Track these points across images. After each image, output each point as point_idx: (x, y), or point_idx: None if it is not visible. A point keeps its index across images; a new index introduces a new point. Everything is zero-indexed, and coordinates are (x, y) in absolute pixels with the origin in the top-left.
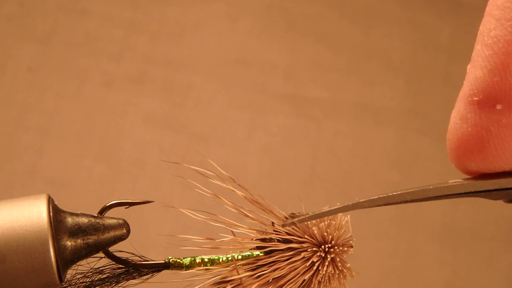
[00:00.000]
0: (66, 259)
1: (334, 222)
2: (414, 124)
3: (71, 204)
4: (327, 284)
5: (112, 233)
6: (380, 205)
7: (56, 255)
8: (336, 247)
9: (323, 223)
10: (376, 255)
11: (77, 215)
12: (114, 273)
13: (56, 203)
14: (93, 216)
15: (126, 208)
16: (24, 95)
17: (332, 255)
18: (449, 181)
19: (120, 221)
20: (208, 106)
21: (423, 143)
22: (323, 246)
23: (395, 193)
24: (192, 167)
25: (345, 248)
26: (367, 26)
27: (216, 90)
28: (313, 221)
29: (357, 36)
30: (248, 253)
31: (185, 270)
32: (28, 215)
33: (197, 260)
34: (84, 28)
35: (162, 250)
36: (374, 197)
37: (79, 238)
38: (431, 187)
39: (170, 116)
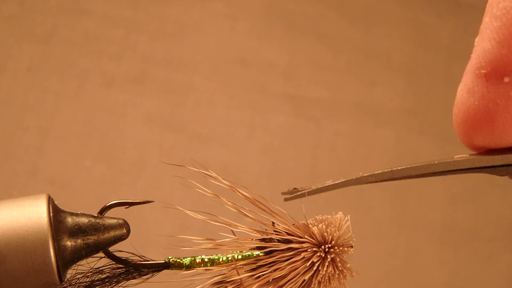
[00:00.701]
0: (66, 259)
1: (334, 222)
2: (414, 124)
3: (71, 204)
4: (327, 284)
5: (112, 233)
6: (384, 180)
7: (56, 256)
8: (336, 247)
9: (323, 223)
10: (376, 255)
11: (77, 215)
12: (114, 273)
13: (56, 203)
14: (93, 216)
15: (126, 208)
16: (24, 95)
17: (332, 255)
18: (455, 156)
19: (120, 221)
20: (208, 106)
21: (423, 143)
22: (323, 246)
23: (400, 168)
24: (193, 168)
25: (345, 248)
26: (367, 26)
27: (216, 90)
28: (314, 221)
29: (357, 36)
30: (248, 253)
31: (185, 270)
32: (28, 215)
33: (197, 260)
34: (84, 28)
35: (162, 250)
36: (379, 172)
37: (79, 238)
38: (436, 162)
39: (170, 116)
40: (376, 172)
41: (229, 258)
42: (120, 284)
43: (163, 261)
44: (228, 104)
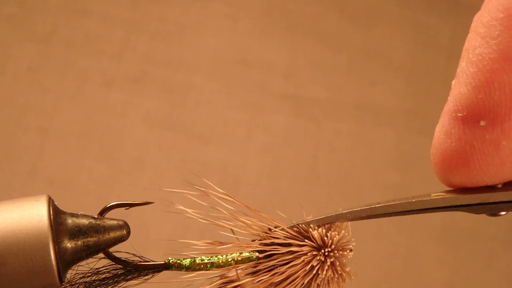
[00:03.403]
0: (67, 261)
1: (334, 226)
2: (414, 124)
3: (71, 205)
4: (326, 287)
5: (112, 235)
6: (363, 218)
7: (56, 258)
8: (335, 251)
9: (323, 227)
10: (376, 255)
11: (77, 216)
12: (114, 274)
13: (56, 203)
14: (93, 218)
15: (126, 209)
16: (24, 95)
17: (331, 259)
18: (432, 194)
19: (120, 222)
20: (208, 106)
21: (423, 143)
22: (322, 250)
23: (378, 205)
24: (193, 184)
25: (345, 252)
26: (367, 26)
27: (216, 90)
28: (313, 225)
29: (357, 36)
30: (248, 253)
31: (185, 271)
32: (28, 217)
33: (197, 261)
34: (84, 28)
35: (162, 251)
36: (357, 209)
37: (79, 239)
38: (413, 200)
39: (170, 116)
40: (355, 209)
41: (229, 260)
42: (119, 285)
43: (163, 262)
44: (228, 104)
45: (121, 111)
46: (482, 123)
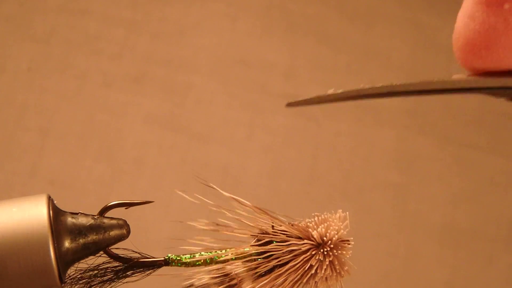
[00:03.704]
0: (67, 261)
1: (333, 222)
2: (414, 124)
3: (71, 205)
4: (324, 283)
5: (112, 234)
6: (383, 94)
7: (56, 257)
8: (335, 250)
9: (322, 226)
10: (376, 255)
11: (77, 215)
12: (114, 270)
13: (56, 203)
14: (93, 217)
15: (126, 208)
16: (24, 95)
17: (330, 258)
18: (453, 76)
19: (120, 222)
20: (208, 106)
21: (423, 143)
22: (322, 249)
23: (399, 83)
24: (197, 177)
25: (344, 251)
26: (367, 26)
27: (216, 90)
28: (312, 224)
29: (357, 36)
30: (248, 249)
31: (185, 267)
32: (28, 217)
33: (197, 257)
34: (84, 28)
35: (162, 249)
36: (378, 85)
37: (79, 239)
38: (435, 80)
39: (170, 116)
40: (376, 85)
41: (229, 257)
42: (120, 281)
43: (163, 258)
44: (228, 104)
45: (121, 111)
46: (506, 6)
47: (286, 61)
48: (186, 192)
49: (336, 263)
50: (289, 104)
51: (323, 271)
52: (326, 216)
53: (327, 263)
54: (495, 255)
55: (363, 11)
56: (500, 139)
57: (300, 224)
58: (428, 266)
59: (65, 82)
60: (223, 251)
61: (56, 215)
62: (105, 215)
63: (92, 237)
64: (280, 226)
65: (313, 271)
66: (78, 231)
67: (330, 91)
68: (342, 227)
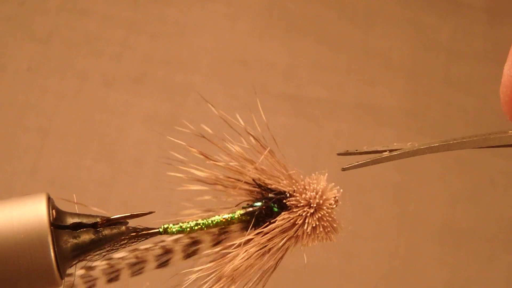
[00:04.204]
0: (66, 259)
1: (319, 184)
2: (414, 124)
3: (71, 204)
4: (315, 239)
5: (112, 231)
6: (440, 151)
7: (56, 256)
8: (324, 206)
9: (311, 184)
10: (376, 255)
11: (76, 214)
12: (108, 235)
13: (55, 203)
14: (93, 216)
15: (127, 220)
16: (24, 95)
17: (320, 213)
18: (509, 131)
19: (120, 219)
20: (208, 106)
21: None
22: (311, 204)
23: (455, 141)
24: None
25: (332, 204)
26: (367, 26)
27: (216, 90)
28: (305, 181)
29: (357, 36)
30: (241, 211)
31: (180, 234)
32: (27, 216)
33: (191, 223)
34: (84, 28)
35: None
36: (435, 144)
37: (79, 238)
38: (492, 136)
39: (170, 116)
40: (432, 145)
41: (223, 219)
42: (114, 248)
43: (158, 229)
44: (228, 104)
45: (121, 111)
46: None
47: (286, 61)
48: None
49: (326, 219)
50: (345, 169)
51: (312, 221)
52: (310, 178)
53: (317, 218)
54: (495, 255)
55: (363, 11)
56: None
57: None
58: (428, 266)
59: (65, 82)
60: (217, 217)
61: (56, 213)
62: (105, 215)
63: (92, 236)
64: (272, 184)
65: (304, 229)
66: (77, 230)
67: (385, 153)
68: (328, 185)
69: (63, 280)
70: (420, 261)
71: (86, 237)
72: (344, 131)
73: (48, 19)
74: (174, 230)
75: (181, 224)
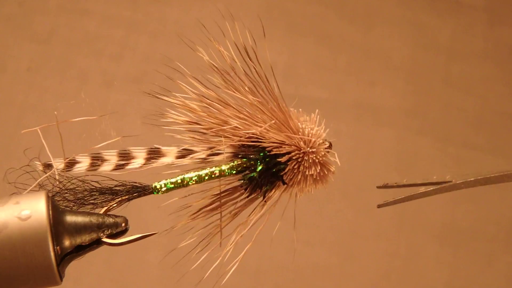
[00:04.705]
0: (66, 257)
1: (310, 128)
2: (414, 124)
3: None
4: (313, 184)
5: (111, 231)
6: (477, 185)
7: (55, 254)
8: (318, 152)
9: (304, 127)
10: (376, 255)
11: (76, 213)
12: (102, 189)
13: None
14: (93, 214)
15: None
16: (24, 95)
17: (315, 159)
18: None
19: (119, 219)
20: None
21: (423, 143)
22: (306, 152)
23: (492, 175)
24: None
25: (326, 149)
26: (367, 26)
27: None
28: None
29: (357, 36)
30: (234, 163)
31: (172, 190)
32: (27, 213)
33: (185, 179)
34: (84, 28)
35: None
36: (471, 179)
37: (78, 235)
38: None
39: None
40: (469, 180)
41: (218, 170)
42: (107, 199)
43: (149, 185)
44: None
45: (121, 111)
46: None
47: (285, 61)
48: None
49: (320, 163)
50: (380, 205)
51: (310, 171)
52: (301, 120)
53: (311, 161)
54: (495, 255)
55: (363, 11)
56: (500, 139)
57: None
58: (428, 266)
59: (65, 82)
60: (210, 168)
61: (55, 212)
62: (105, 213)
63: (91, 234)
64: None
65: (300, 173)
66: (77, 228)
67: (422, 189)
68: (320, 130)
69: (62, 279)
70: (420, 261)
71: (86, 237)
72: (344, 131)
73: (48, 19)
74: (165, 186)
75: (176, 178)
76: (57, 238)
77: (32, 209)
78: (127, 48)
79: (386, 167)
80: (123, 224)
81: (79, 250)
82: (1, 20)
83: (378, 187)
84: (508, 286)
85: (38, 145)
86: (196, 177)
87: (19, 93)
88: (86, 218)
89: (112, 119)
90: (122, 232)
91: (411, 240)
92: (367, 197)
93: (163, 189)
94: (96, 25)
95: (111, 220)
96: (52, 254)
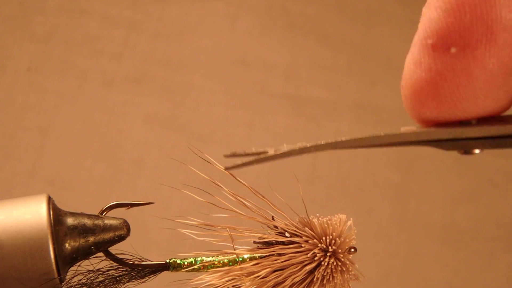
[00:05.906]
0: (66, 260)
1: (337, 226)
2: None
3: (71, 204)
4: (331, 280)
5: (112, 233)
6: (326, 150)
7: (56, 258)
8: (341, 256)
9: (326, 225)
10: (376, 255)
11: (77, 215)
12: (113, 274)
13: (56, 203)
14: (93, 216)
15: (127, 209)
16: (24, 95)
17: (335, 263)
18: (401, 128)
19: (120, 221)
20: (208, 106)
21: None
22: (328, 254)
23: (343, 139)
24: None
25: (348, 253)
26: (367, 26)
27: (216, 90)
28: (316, 225)
29: (357, 36)
30: (248, 255)
31: (185, 271)
32: (28, 216)
33: (198, 262)
34: (84, 28)
35: (163, 251)
36: (321, 143)
37: (79, 238)
38: (382, 134)
39: (170, 116)
40: (319, 143)
41: (229, 260)
42: (119, 285)
43: (163, 262)
44: (228, 104)
45: (121, 111)
46: (453, 50)
47: (286, 61)
48: (187, 188)
49: (341, 268)
50: (228, 168)
51: (327, 275)
52: (328, 218)
53: (332, 267)
54: (495, 255)
55: (363, 11)
56: None
57: (300, 223)
58: (428, 266)
59: (65, 82)
60: (224, 256)
61: (56, 214)
62: (106, 215)
63: (92, 236)
64: (288, 227)
65: (317, 275)
66: (78, 231)
67: (271, 151)
68: (350, 234)
69: (63, 283)
70: (420, 261)
71: (87, 239)
72: (344, 131)
73: (48, 19)
74: (182, 263)
75: (192, 259)
76: (58, 240)
77: (33, 212)
78: (127, 48)
79: (386, 167)
80: (124, 228)
81: (80, 252)
82: (1, 20)
83: (225, 156)
84: (508, 286)
85: (38, 146)
86: (224, 262)
87: (19, 93)
88: (86, 219)
89: (112, 119)
90: (122, 236)
91: (411, 240)
92: (367, 197)
93: (186, 265)
94: (96, 25)
95: (112, 221)
96: (52, 257)
